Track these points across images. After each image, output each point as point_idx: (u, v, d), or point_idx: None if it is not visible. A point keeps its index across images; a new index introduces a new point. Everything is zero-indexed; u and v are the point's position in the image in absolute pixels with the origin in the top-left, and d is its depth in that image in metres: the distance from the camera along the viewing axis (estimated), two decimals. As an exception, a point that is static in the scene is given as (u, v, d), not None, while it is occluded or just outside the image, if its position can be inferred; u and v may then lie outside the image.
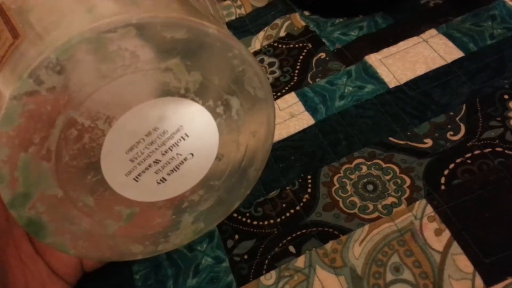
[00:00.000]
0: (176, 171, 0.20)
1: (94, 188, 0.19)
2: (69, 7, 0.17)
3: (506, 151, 0.26)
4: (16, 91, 0.16)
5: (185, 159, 0.20)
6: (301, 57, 0.35)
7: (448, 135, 0.28)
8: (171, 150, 0.20)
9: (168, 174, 0.20)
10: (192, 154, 0.20)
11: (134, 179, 0.20)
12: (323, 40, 0.35)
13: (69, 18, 0.17)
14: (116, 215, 0.20)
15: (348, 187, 0.27)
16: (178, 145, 0.20)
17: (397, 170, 0.27)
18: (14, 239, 0.24)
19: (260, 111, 0.21)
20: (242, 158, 0.22)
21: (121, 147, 0.19)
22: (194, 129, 0.20)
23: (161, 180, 0.20)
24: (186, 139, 0.20)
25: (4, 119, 0.16)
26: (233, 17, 0.41)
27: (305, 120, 0.31)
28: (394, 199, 0.26)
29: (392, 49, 0.33)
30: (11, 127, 0.16)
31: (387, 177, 0.27)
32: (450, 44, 0.32)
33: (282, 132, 0.31)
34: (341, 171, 0.28)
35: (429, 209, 0.25)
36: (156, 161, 0.20)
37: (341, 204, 0.27)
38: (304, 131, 0.31)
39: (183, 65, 0.18)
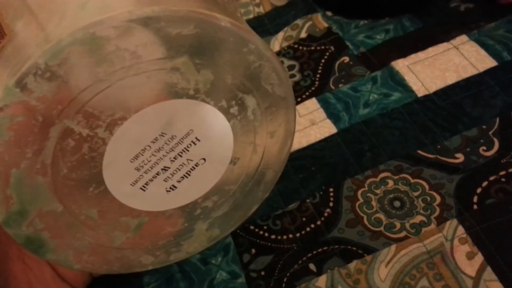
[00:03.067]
0: (186, 177, 0.19)
1: (97, 200, 0.18)
2: (61, 0, 0.16)
3: (544, 170, 0.24)
4: (2, 102, 0.14)
5: (197, 164, 0.19)
6: (323, 60, 0.33)
7: (480, 150, 0.26)
8: (180, 156, 0.18)
9: (178, 181, 0.19)
10: (204, 159, 0.19)
11: (141, 188, 0.18)
12: (347, 43, 0.34)
13: (60, 13, 0.15)
14: (123, 227, 0.19)
15: (373, 203, 0.26)
16: (188, 150, 0.18)
17: (426, 186, 0.25)
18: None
19: (279, 110, 0.19)
20: (259, 160, 0.20)
21: (125, 155, 0.17)
22: (206, 133, 0.18)
23: (170, 188, 0.19)
24: (197, 144, 0.18)
25: None
26: (251, 16, 0.39)
27: (327, 128, 0.30)
28: (423, 218, 0.24)
29: (421, 55, 0.31)
30: None
31: (416, 194, 0.25)
32: (483, 52, 0.30)
33: (302, 140, 0.29)
34: (366, 185, 0.26)
35: (461, 230, 0.23)
36: (165, 169, 0.18)
37: (365, 221, 0.25)
38: (325, 140, 0.29)
39: (192, 63, 0.16)
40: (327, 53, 0.34)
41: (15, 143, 0.15)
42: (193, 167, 0.19)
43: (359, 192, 0.26)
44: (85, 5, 0.15)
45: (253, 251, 0.26)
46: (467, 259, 0.23)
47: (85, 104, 0.15)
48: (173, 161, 0.18)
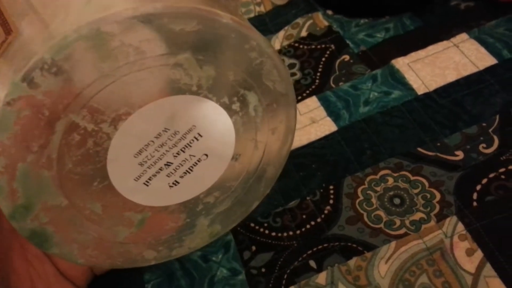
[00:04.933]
0: (189, 173, 0.19)
1: (101, 195, 0.18)
2: None
3: (544, 167, 0.24)
4: (9, 96, 0.15)
5: (199, 160, 0.19)
6: (323, 59, 0.33)
7: (480, 147, 0.26)
8: (183, 151, 0.19)
9: (181, 177, 0.19)
10: (206, 155, 0.19)
11: (144, 183, 0.18)
12: (347, 41, 0.34)
13: (64, 10, 0.15)
14: (126, 222, 0.19)
15: (373, 200, 0.26)
16: (191, 146, 0.19)
17: (426, 183, 0.25)
18: (20, 239, 0.23)
19: (280, 107, 0.20)
20: (261, 156, 0.21)
21: (129, 150, 0.17)
22: (208, 128, 0.18)
23: (173, 183, 0.19)
24: (199, 139, 0.19)
25: None
26: (252, 15, 0.39)
27: (327, 126, 0.30)
28: (423, 215, 0.24)
29: (421, 53, 0.31)
30: (6, 136, 0.15)
31: (415, 191, 0.25)
32: (483, 50, 0.30)
33: (302, 138, 0.30)
34: (366, 183, 0.26)
35: (460, 227, 0.23)
36: (168, 164, 0.19)
37: (365, 218, 0.25)
38: (326, 138, 0.29)
39: (195, 60, 0.16)
40: (328, 52, 0.34)
41: (22, 137, 0.15)
42: (195, 162, 0.19)
43: (359, 189, 0.26)
44: (89, 1, 0.15)
45: (254, 248, 0.26)
46: (467, 256, 0.23)
47: (90, 99, 0.16)
48: (176, 156, 0.19)
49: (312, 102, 0.31)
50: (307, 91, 0.32)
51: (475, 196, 0.24)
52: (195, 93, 0.17)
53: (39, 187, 0.16)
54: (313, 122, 0.30)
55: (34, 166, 0.16)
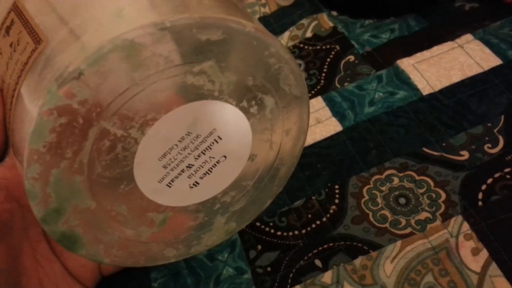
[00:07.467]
0: (208, 174, 0.20)
1: (127, 197, 0.19)
2: (94, 8, 0.16)
3: (549, 167, 0.24)
4: (46, 105, 0.15)
5: (218, 161, 0.20)
6: (328, 59, 0.34)
7: (485, 147, 0.26)
8: (204, 154, 0.19)
9: (201, 178, 0.20)
10: (225, 156, 0.20)
11: (167, 185, 0.19)
12: (352, 42, 0.34)
13: (95, 21, 0.16)
14: (149, 222, 0.20)
15: (379, 200, 0.26)
16: (211, 149, 0.19)
17: (432, 183, 0.26)
18: (30, 239, 0.23)
19: (294, 109, 0.20)
20: (275, 157, 0.21)
21: (154, 154, 0.18)
22: (227, 131, 0.19)
23: (193, 184, 0.20)
24: (219, 142, 0.19)
25: (34, 136, 0.15)
26: (257, 16, 0.39)
27: (332, 126, 0.30)
28: (428, 215, 0.24)
29: (426, 53, 0.31)
30: (42, 144, 0.16)
31: (421, 191, 0.25)
32: (487, 50, 0.30)
33: (308, 138, 0.30)
34: (371, 182, 0.27)
35: (466, 227, 0.24)
36: (189, 166, 0.19)
37: (371, 218, 0.25)
38: (331, 138, 0.29)
39: (218, 67, 0.17)
40: (333, 52, 0.34)
41: (57, 144, 0.16)
42: (214, 164, 0.20)
43: (365, 189, 0.26)
44: (120, 13, 0.16)
45: (259, 247, 0.26)
46: (472, 255, 0.23)
47: (121, 106, 0.16)
48: (197, 158, 0.19)
49: (318, 103, 0.31)
50: (312, 92, 0.32)
51: (480, 195, 0.24)
52: (216, 98, 0.18)
53: (70, 191, 0.17)
54: (318, 122, 0.30)
55: (67, 172, 0.17)
